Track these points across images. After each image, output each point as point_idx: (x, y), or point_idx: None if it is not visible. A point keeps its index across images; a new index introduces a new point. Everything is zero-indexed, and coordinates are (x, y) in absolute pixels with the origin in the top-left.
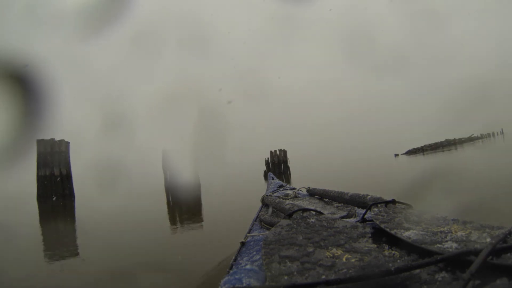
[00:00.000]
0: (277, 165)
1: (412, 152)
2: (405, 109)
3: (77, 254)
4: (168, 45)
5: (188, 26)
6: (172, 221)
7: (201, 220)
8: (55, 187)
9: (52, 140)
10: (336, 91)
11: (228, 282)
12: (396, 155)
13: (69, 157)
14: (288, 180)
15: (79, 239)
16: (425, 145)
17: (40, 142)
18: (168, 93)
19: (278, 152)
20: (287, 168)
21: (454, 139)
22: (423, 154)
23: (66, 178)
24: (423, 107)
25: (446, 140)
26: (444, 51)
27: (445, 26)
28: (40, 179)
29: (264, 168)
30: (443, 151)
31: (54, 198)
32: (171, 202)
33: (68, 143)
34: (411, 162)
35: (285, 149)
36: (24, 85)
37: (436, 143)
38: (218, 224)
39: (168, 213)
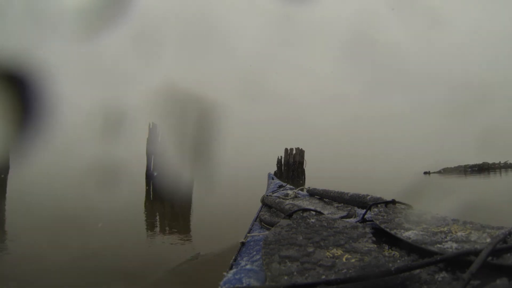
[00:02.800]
0: (292, 167)
1: (447, 171)
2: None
3: None
4: (169, 44)
5: (191, 25)
6: (150, 225)
7: (188, 227)
8: None
9: None
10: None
11: (228, 282)
12: (426, 173)
13: None
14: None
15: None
16: (466, 165)
17: None
18: (168, 92)
19: (294, 151)
20: (302, 171)
21: (494, 163)
22: (465, 176)
23: None
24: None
25: (483, 163)
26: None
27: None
28: None
29: (273, 168)
30: (488, 174)
31: None
32: (151, 196)
33: None
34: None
35: (303, 149)
36: (24, 85)
37: (476, 165)
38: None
39: (145, 212)
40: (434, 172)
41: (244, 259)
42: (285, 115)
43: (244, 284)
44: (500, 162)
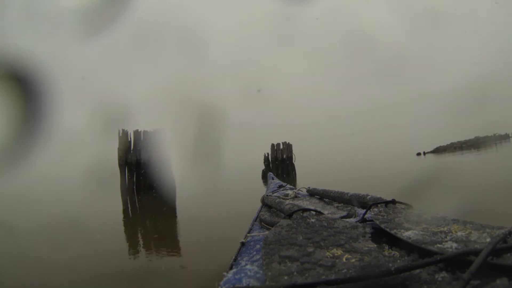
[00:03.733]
0: (280, 163)
1: (441, 150)
2: (411, 109)
3: None
4: (165, 46)
5: (186, 28)
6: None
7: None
8: None
9: None
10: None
11: (228, 282)
12: (419, 154)
13: None
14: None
15: None
16: (459, 141)
17: None
18: (164, 92)
19: (281, 146)
20: (292, 167)
21: (486, 136)
22: (462, 153)
23: None
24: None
25: (476, 137)
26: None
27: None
28: None
29: (263, 167)
30: (486, 149)
31: None
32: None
33: None
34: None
35: (290, 143)
36: (24, 86)
37: (470, 140)
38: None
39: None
40: (428, 152)
41: (244, 259)
42: (279, 115)
43: (244, 284)
44: (493, 134)
